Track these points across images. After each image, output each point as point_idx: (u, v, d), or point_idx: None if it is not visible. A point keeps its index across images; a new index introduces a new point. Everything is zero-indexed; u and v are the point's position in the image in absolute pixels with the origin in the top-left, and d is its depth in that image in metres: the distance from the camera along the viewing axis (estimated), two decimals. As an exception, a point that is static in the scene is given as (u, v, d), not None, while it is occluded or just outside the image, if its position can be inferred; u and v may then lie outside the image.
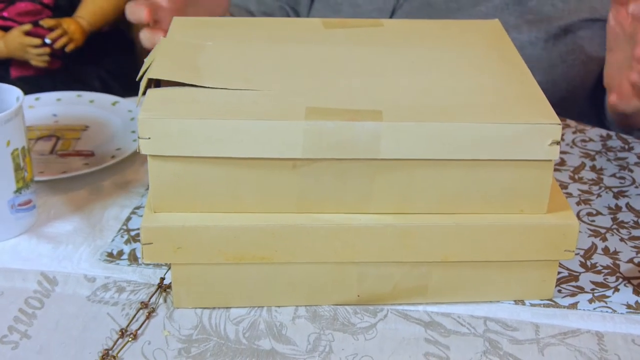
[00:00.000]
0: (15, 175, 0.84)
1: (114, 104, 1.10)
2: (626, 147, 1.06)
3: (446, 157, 0.72)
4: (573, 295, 0.80)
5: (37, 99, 1.11)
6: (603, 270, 0.83)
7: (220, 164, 0.72)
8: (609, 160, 1.03)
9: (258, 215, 0.74)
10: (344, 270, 0.76)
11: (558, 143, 0.72)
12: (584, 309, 0.78)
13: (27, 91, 1.60)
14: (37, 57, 1.56)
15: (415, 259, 0.76)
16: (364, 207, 0.74)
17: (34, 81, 1.58)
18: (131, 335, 0.74)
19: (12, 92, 0.87)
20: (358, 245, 0.74)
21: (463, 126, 0.71)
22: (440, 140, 0.71)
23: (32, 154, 0.96)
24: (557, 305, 0.79)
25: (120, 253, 0.84)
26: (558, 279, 0.81)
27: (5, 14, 1.62)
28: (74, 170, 0.95)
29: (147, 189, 0.89)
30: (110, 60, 1.67)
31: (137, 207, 0.92)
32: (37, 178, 0.92)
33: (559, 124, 0.72)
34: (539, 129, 0.72)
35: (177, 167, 0.72)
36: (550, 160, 0.74)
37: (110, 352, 0.72)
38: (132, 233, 0.88)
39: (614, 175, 1.00)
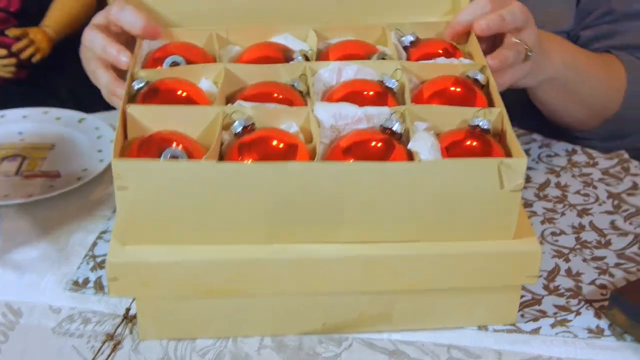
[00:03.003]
0: (-21, 204, 0.84)
1: (80, 121, 1.10)
2: (591, 162, 1.07)
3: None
4: (535, 320, 0.81)
5: (2, 116, 1.10)
6: (565, 293, 0.85)
7: (188, 197, 0.72)
8: (573, 176, 1.04)
9: (224, 248, 0.74)
10: (310, 301, 0.77)
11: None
12: (546, 334, 0.79)
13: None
14: (3, 68, 1.55)
15: (381, 288, 0.77)
16: (332, 235, 0.74)
17: (1, 90, 1.56)
18: (97, 370, 0.74)
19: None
20: (324, 277, 0.75)
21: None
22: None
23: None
24: (519, 331, 0.80)
25: (86, 281, 0.84)
26: (521, 303, 0.82)
27: (-31, 23, 1.61)
28: (40, 193, 0.94)
29: (114, 211, 0.89)
30: (78, 67, 1.65)
31: (103, 232, 0.92)
32: (1, 202, 0.91)
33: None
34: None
35: (144, 199, 0.72)
36: (518, 191, 0.74)
37: (75, 387, 0.72)
38: (98, 260, 0.87)
39: (578, 192, 1.01)
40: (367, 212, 0.73)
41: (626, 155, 1.09)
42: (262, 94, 0.81)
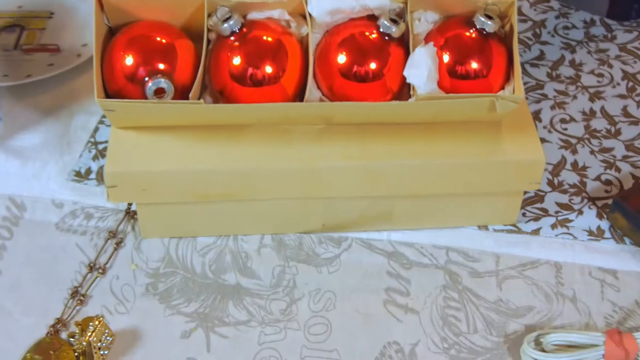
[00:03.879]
0: (-23, 92, 0.83)
1: (79, -14, 1.05)
2: (609, 35, 1.03)
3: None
4: (537, 219, 0.81)
5: (-2, -21, 1.06)
6: (569, 190, 0.84)
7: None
8: (589, 52, 1.00)
9: (222, 156, 0.73)
10: (310, 203, 0.77)
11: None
12: (545, 236, 0.80)
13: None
14: None
15: (381, 194, 0.76)
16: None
17: None
18: (100, 270, 0.76)
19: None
20: (324, 184, 0.74)
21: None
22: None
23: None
24: (519, 231, 0.80)
25: (88, 171, 0.84)
26: (524, 200, 0.82)
27: None
28: (39, 73, 0.92)
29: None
30: None
31: (104, 115, 0.90)
32: (1, 83, 0.90)
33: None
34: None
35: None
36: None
37: (79, 289, 0.74)
38: (100, 147, 0.87)
39: (592, 72, 0.98)
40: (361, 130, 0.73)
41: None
42: None
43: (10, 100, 0.91)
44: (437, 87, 0.73)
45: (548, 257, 0.78)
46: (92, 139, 0.88)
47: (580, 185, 0.84)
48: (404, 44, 0.75)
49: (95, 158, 0.86)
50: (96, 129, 0.89)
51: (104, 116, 0.90)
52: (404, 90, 0.75)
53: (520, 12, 1.05)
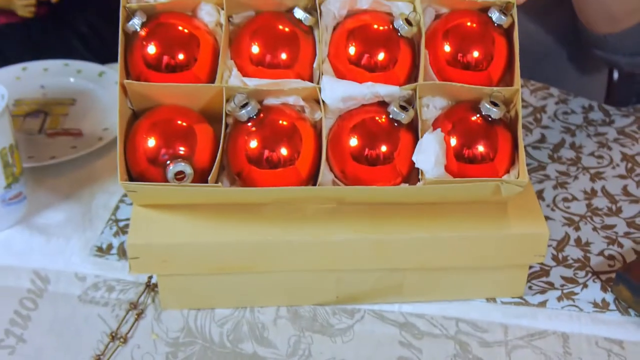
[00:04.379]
0: (4, 172, 0.86)
1: (100, 74, 1.11)
2: (607, 120, 1.08)
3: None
4: (543, 292, 0.84)
5: (23, 69, 1.12)
6: (574, 264, 0.87)
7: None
8: (589, 135, 1.05)
9: (238, 230, 0.76)
10: (323, 276, 0.80)
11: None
12: (552, 308, 0.82)
13: (15, 38, 1.60)
14: (23, 8, 1.55)
15: (391, 266, 0.79)
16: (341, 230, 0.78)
17: (22, 28, 1.57)
18: (121, 339, 0.78)
19: (-4, 89, 0.88)
20: (336, 258, 0.77)
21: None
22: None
23: (20, 135, 0.99)
24: (526, 304, 0.83)
25: (110, 247, 0.88)
26: (530, 274, 0.85)
27: (-11, -39, 1.60)
28: (63, 155, 0.97)
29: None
30: (97, 2, 1.65)
31: (125, 195, 0.94)
32: (25, 164, 0.94)
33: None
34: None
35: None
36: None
37: (101, 357, 0.76)
38: (121, 224, 0.90)
39: (592, 153, 1.02)
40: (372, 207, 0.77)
41: (644, 111, 1.10)
42: (266, 27, 0.80)
43: (34, 181, 0.95)
44: (444, 172, 0.76)
45: (555, 328, 0.80)
46: (113, 217, 0.91)
47: (584, 260, 0.87)
48: (413, 129, 0.79)
49: (116, 234, 0.89)
50: (117, 207, 0.93)
51: (124, 195, 0.94)
52: (413, 173, 0.78)
53: (522, 99, 1.10)
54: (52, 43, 1.57)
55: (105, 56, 1.16)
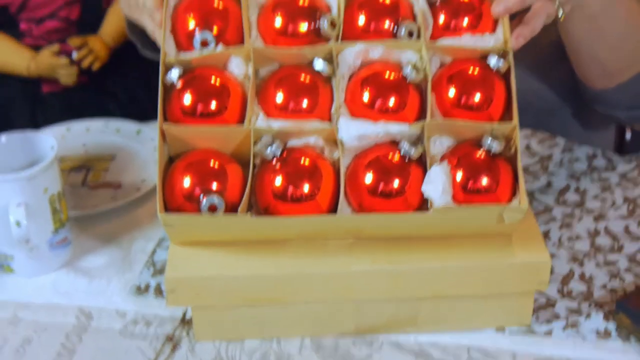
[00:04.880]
0: (53, 217, 0.95)
1: (138, 132, 1.20)
2: (610, 166, 1.15)
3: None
4: (549, 322, 0.90)
5: (67, 129, 1.21)
6: (578, 297, 0.93)
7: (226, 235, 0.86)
8: (592, 181, 1.12)
9: (266, 263, 0.84)
10: (343, 306, 0.87)
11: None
12: (558, 336, 0.88)
13: (58, 105, 1.71)
14: (67, 76, 1.66)
15: (406, 296, 0.86)
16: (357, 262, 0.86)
17: (64, 95, 1.68)
18: (158, 368, 0.85)
19: (47, 141, 0.97)
20: (355, 287, 0.85)
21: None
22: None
23: (65, 188, 1.07)
24: (533, 332, 0.89)
25: (147, 286, 0.95)
26: (536, 306, 0.91)
27: (35, 32, 1.72)
28: (104, 204, 1.06)
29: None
30: (134, 70, 1.77)
31: (162, 239, 1.02)
32: (70, 213, 1.02)
33: None
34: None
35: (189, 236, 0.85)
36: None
37: (141, 384, 0.84)
38: (157, 266, 0.98)
39: (596, 196, 1.09)
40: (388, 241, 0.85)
41: (645, 158, 1.16)
42: (289, 77, 0.89)
43: (78, 228, 1.04)
44: (451, 201, 0.84)
45: (560, 355, 0.86)
46: (150, 260, 0.99)
47: (587, 293, 0.94)
48: (422, 164, 0.86)
49: (153, 275, 0.97)
50: (154, 251, 1.01)
51: (160, 240, 1.02)
52: (423, 206, 0.86)
53: (528, 148, 1.18)
54: (92, 108, 1.67)
55: (141, 118, 1.26)
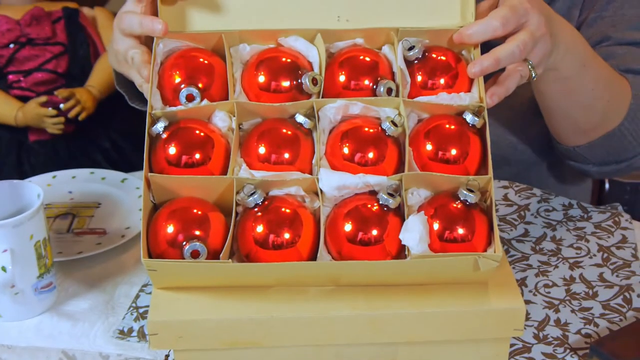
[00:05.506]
0: (38, 263, 0.97)
1: (122, 181, 1.22)
2: (585, 216, 1.18)
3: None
4: (525, 367, 0.92)
5: (54, 177, 1.24)
6: (553, 342, 0.95)
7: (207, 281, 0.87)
8: (568, 230, 1.15)
9: (246, 308, 0.86)
10: (323, 350, 0.88)
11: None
12: (533, 380, 0.90)
13: (43, 153, 1.73)
14: (53, 126, 1.69)
15: (384, 341, 0.88)
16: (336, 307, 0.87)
17: (50, 144, 1.71)
18: (140, 411, 0.86)
19: (33, 190, 0.99)
20: (335, 332, 0.86)
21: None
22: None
23: (51, 234, 1.09)
24: (510, 377, 0.91)
25: (130, 330, 0.97)
26: (512, 351, 0.93)
27: (23, 84, 1.76)
28: (89, 250, 1.07)
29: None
30: (119, 121, 1.80)
31: (145, 285, 1.04)
32: (56, 259, 1.04)
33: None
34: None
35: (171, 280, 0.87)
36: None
37: None
38: (141, 310, 1.00)
39: (571, 245, 1.11)
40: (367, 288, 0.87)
41: (620, 208, 1.19)
42: (271, 130, 0.92)
43: (63, 273, 1.05)
44: (428, 249, 0.86)
45: (536, 398, 0.88)
46: (133, 304, 1.01)
47: (562, 338, 0.96)
48: (400, 214, 0.89)
49: (136, 319, 0.98)
50: (137, 296, 1.02)
51: (144, 285, 1.04)
52: (401, 255, 0.88)
53: (506, 198, 1.21)
54: (77, 157, 1.70)
55: (125, 169, 1.28)
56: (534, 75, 0.96)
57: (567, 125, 1.14)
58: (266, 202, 0.88)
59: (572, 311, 1.00)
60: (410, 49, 0.96)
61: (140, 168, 1.30)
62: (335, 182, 0.89)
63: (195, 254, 0.85)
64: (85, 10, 1.92)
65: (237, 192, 0.89)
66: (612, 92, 1.10)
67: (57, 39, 1.80)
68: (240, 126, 0.94)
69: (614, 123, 1.12)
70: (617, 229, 1.15)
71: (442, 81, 0.95)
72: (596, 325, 0.97)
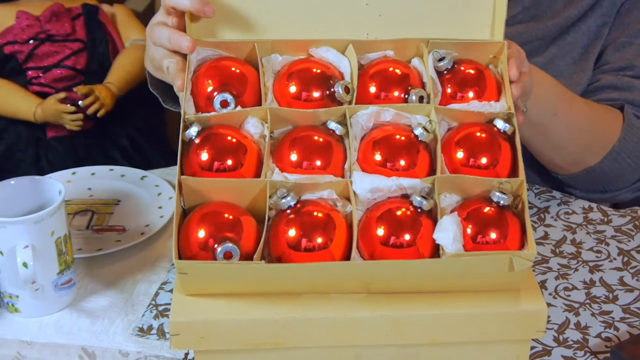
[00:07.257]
0: (58, 259, 0.97)
1: (142, 178, 1.23)
2: (605, 219, 1.17)
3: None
4: (545, 370, 0.92)
5: (73, 173, 1.24)
6: (573, 345, 0.95)
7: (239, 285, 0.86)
8: (588, 233, 1.14)
9: (269, 308, 0.85)
10: (344, 352, 0.88)
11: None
12: (553, 384, 0.90)
13: (61, 150, 1.74)
14: (71, 122, 1.70)
15: (406, 342, 0.87)
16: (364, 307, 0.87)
17: (68, 141, 1.71)
18: (160, 409, 0.86)
19: (54, 186, 0.99)
20: (356, 333, 0.86)
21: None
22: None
23: (70, 230, 1.09)
24: (530, 380, 0.90)
25: (150, 328, 0.97)
26: (532, 354, 0.93)
27: (42, 80, 1.76)
28: (108, 247, 1.07)
29: (173, 265, 1.02)
30: (138, 118, 1.80)
31: (164, 283, 1.04)
32: (75, 255, 1.04)
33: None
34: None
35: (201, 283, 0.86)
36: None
37: None
38: (160, 308, 1.00)
39: (591, 249, 1.11)
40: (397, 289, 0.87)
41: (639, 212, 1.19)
42: (303, 137, 0.92)
43: (83, 270, 1.05)
44: (462, 248, 0.86)
45: (556, 401, 0.88)
46: (153, 302, 1.01)
47: (582, 341, 0.95)
48: (433, 217, 0.88)
49: (155, 317, 0.98)
50: (156, 294, 1.02)
51: (163, 283, 1.04)
52: (434, 257, 0.87)
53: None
54: (95, 154, 1.70)
55: (142, 166, 1.28)
56: (525, 109, 0.99)
57: (546, 160, 1.21)
58: (299, 205, 0.88)
59: (592, 314, 0.99)
60: (441, 59, 0.97)
61: (157, 166, 1.31)
62: (368, 185, 0.89)
63: (227, 256, 0.84)
64: (105, 7, 1.92)
65: (270, 196, 0.88)
66: (592, 135, 1.15)
67: (76, 35, 1.80)
68: (271, 134, 0.94)
69: (593, 161, 1.18)
70: (637, 232, 1.14)
71: (470, 94, 0.96)
72: (616, 329, 0.97)
